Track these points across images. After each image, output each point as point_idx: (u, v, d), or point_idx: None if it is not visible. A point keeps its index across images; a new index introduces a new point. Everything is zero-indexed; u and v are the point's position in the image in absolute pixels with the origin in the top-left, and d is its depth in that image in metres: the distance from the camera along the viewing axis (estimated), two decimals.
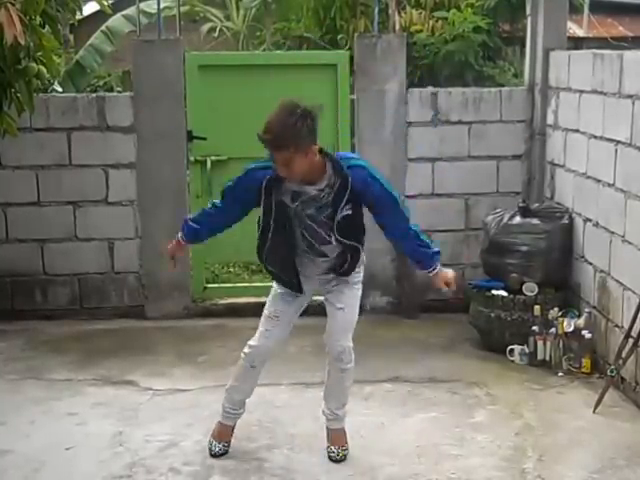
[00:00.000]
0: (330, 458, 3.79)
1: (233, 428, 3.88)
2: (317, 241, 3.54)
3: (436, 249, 3.64)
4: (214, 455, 3.81)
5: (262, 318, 3.73)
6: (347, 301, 3.67)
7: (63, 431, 4.09)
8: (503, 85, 7.12)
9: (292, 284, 3.66)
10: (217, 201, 3.71)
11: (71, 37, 9.53)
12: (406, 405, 4.36)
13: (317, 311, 4.96)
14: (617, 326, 4.53)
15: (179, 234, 3.78)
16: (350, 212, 3.46)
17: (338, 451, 3.79)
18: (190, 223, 3.76)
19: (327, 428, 3.87)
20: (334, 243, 3.54)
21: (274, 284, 3.77)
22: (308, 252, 3.58)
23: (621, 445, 3.89)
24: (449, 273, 3.65)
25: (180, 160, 5.71)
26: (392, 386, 4.58)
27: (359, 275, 3.73)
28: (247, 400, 3.86)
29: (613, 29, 12.68)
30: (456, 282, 3.69)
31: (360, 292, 3.75)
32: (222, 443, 3.84)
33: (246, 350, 3.73)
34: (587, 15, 11.99)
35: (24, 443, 3.96)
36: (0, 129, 4.73)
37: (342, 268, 3.62)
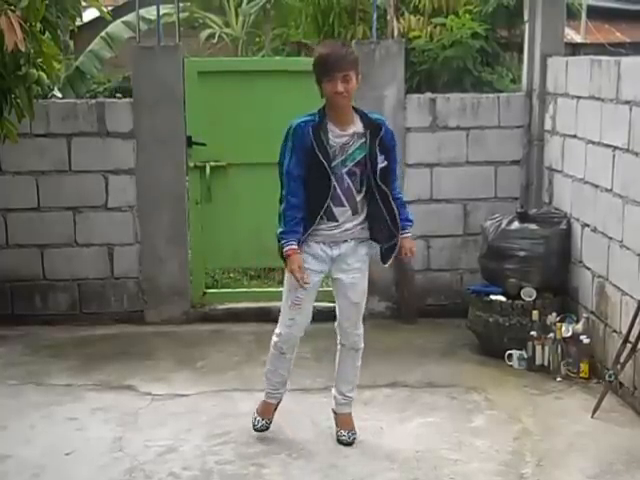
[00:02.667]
0: (341, 442, 3.95)
1: (276, 406, 4.06)
2: (348, 191, 3.71)
3: (411, 217, 3.93)
4: (257, 430, 4.02)
5: (284, 305, 3.87)
6: (361, 295, 3.89)
7: (63, 436, 4.09)
8: (501, 91, 7.14)
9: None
10: (289, 192, 3.69)
11: (71, 43, 9.55)
12: (405, 410, 4.37)
13: (316, 318, 4.98)
14: (615, 331, 4.54)
15: (288, 247, 3.64)
16: (385, 163, 3.73)
17: (349, 434, 3.96)
18: (293, 233, 3.68)
19: (335, 413, 4.03)
20: (361, 196, 3.73)
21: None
22: (340, 205, 3.72)
23: (620, 450, 3.90)
24: (414, 242, 3.95)
25: (179, 166, 5.73)
26: (391, 391, 4.58)
27: (367, 258, 3.89)
28: (285, 386, 4.04)
29: (610, 35, 12.71)
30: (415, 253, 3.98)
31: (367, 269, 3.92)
32: (265, 419, 4.03)
33: (274, 339, 3.94)
34: (584, 21, 12.02)
35: (24, 448, 3.97)
36: (0, 135, 4.74)
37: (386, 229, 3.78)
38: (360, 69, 3.69)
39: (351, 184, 3.72)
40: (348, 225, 3.76)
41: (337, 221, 3.74)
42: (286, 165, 3.70)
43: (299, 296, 3.79)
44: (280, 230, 3.71)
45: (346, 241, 3.79)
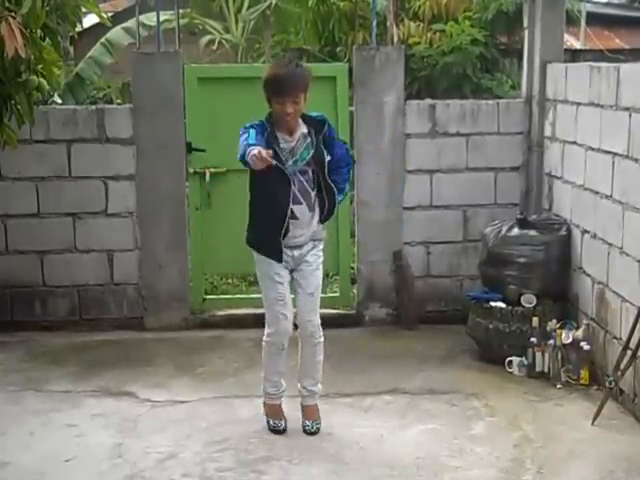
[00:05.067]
0: (305, 431, 4.12)
1: (281, 404, 4.20)
2: (303, 190, 3.95)
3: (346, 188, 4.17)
4: (283, 431, 4.14)
5: (268, 303, 4.06)
6: (315, 284, 4.08)
7: (62, 442, 4.09)
8: (501, 97, 7.16)
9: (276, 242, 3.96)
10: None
11: (71, 49, 9.57)
12: (405, 417, 4.36)
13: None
14: (615, 338, 4.54)
15: (255, 150, 3.68)
16: (330, 157, 3.98)
17: (312, 424, 4.13)
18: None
19: (301, 405, 4.18)
20: (314, 192, 3.98)
21: (262, 268, 4.06)
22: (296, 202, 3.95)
23: (620, 457, 3.89)
24: None
25: (179, 172, 5.73)
26: (391, 397, 4.58)
27: (321, 253, 4.11)
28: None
29: (610, 41, 12.76)
30: None
31: (322, 269, 4.14)
32: (282, 420, 4.17)
33: (269, 339, 4.08)
34: (584, 27, 12.06)
35: (23, 454, 3.96)
36: (0, 141, 4.75)
37: (323, 214, 4.03)
38: (310, 87, 3.89)
39: (304, 183, 3.98)
40: (307, 222, 4.00)
41: (297, 219, 3.98)
42: (245, 139, 3.82)
43: (280, 292, 4.02)
44: (241, 152, 3.80)
45: (306, 244, 4.05)
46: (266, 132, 3.88)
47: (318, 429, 4.13)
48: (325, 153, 3.98)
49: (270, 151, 3.72)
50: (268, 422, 4.18)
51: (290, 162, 3.94)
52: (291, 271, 4.08)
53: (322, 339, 4.13)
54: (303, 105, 3.90)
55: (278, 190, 3.92)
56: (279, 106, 3.85)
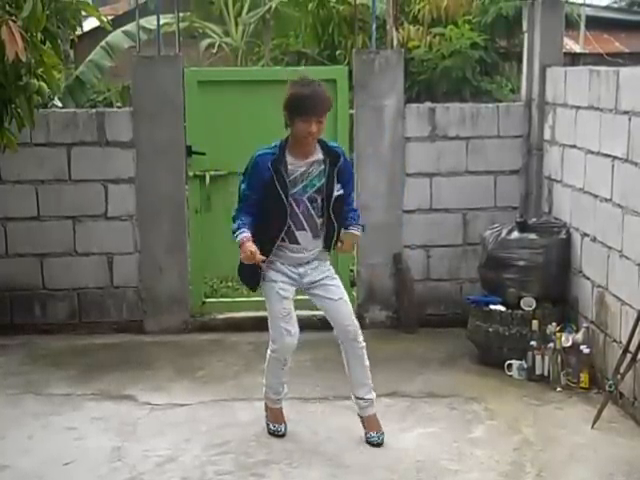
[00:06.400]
0: (371, 443, 4.03)
1: (281, 408, 4.21)
2: (309, 216, 3.92)
3: (361, 221, 4.13)
4: (283, 435, 4.13)
5: (273, 318, 4.01)
6: (338, 291, 4.03)
7: (62, 446, 4.08)
8: (500, 100, 7.16)
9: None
10: (244, 206, 3.95)
11: (71, 53, 9.58)
12: (405, 420, 4.36)
13: (316, 326, 4.98)
14: (615, 341, 4.54)
15: (242, 235, 3.83)
16: (342, 192, 3.94)
17: (378, 436, 4.05)
18: (244, 226, 3.89)
19: (361, 416, 4.10)
20: (322, 220, 3.94)
21: (267, 283, 3.99)
22: (300, 228, 3.93)
23: (620, 461, 3.89)
24: (354, 237, 4.06)
25: (179, 175, 5.73)
26: (391, 401, 4.57)
27: (328, 269, 4.07)
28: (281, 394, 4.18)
29: (609, 45, 12.78)
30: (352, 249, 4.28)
31: (339, 280, 4.10)
32: (282, 424, 4.16)
33: (274, 355, 4.05)
34: (583, 31, 12.08)
35: (23, 458, 3.96)
36: (0, 144, 4.75)
37: (327, 241, 4.00)
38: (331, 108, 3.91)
39: (311, 210, 3.93)
40: (310, 247, 3.97)
41: (299, 244, 3.95)
42: (244, 189, 3.96)
43: (285, 306, 3.97)
44: (234, 227, 3.90)
45: (308, 262, 4.00)
46: (274, 160, 3.83)
47: (383, 439, 4.03)
48: (336, 187, 3.91)
49: (258, 256, 3.76)
50: (268, 425, 4.18)
51: (299, 187, 3.88)
52: (308, 291, 4.04)
53: (364, 343, 4.04)
54: (325, 126, 3.85)
55: (273, 216, 3.88)
56: (304, 125, 3.77)
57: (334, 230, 3.98)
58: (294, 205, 3.89)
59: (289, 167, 3.86)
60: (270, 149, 3.89)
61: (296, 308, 4.06)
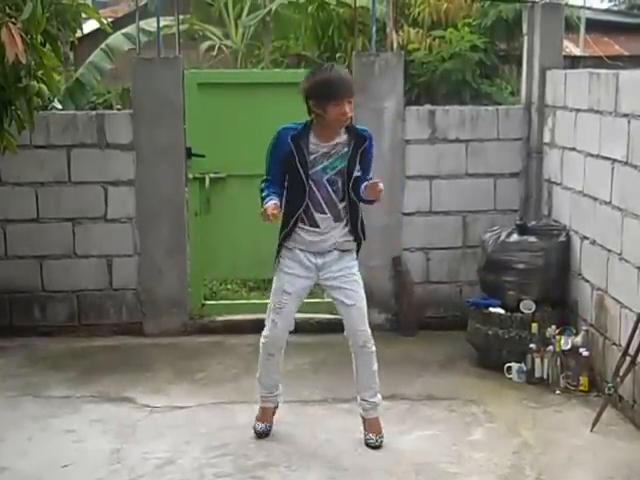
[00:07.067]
0: (369, 445, 4.04)
1: (274, 410, 4.21)
2: (329, 199, 3.89)
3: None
4: (258, 435, 4.12)
5: (269, 307, 4.06)
6: (354, 295, 3.99)
7: (61, 448, 4.08)
8: (500, 103, 7.17)
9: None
10: (269, 178, 3.96)
11: (71, 55, 9.56)
12: (404, 423, 4.36)
13: (314, 329, 4.98)
14: (614, 344, 4.54)
15: (271, 201, 3.81)
16: (359, 174, 3.90)
17: (377, 438, 4.05)
18: (273, 195, 3.89)
19: (363, 418, 4.10)
20: (344, 204, 3.90)
21: (278, 274, 3.99)
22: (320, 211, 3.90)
23: (619, 464, 3.89)
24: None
25: (179, 177, 5.73)
26: (390, 403, 4.56)
27: (353, 266, 4.00)
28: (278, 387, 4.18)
29: (609, 48, 12.78)
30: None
31: (359, 276, 4.04)
32: (265, 423, 4.15)
33: (262, 340, 4.08)
34: (583, 34, 12.09)
35: (21, 460, 3.95)
36: (0, 146, 4.75)
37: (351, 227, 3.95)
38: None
39: (332, 192, 3.90)
40: (332, 233, 3.94)
41: (319, 227, 3.92)
42: (267, 163, 3.98)
43: (282, 300, 3.99)
44: (263, 195, 3.90)
45: (330, 251, 3.95)
46: (295, 135, 3.84)
47: (382, 442, 4.05)
48: (357, 167, 3.90)
49: (275, 211, 3.74)
50: (255, 425, 4.16)
51: (319, 167, 3.87)
52: (324, 284, 4.03)
53: (374, 348, 4.04)
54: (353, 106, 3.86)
55: (292, 194, 3.90)
56: (337, 108, 3.76)
57: (358, 216, 3.95)
58: (314, 187, 3.87)
59: (311, 146, 3.85)
60: (294, 125, 3.90)
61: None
